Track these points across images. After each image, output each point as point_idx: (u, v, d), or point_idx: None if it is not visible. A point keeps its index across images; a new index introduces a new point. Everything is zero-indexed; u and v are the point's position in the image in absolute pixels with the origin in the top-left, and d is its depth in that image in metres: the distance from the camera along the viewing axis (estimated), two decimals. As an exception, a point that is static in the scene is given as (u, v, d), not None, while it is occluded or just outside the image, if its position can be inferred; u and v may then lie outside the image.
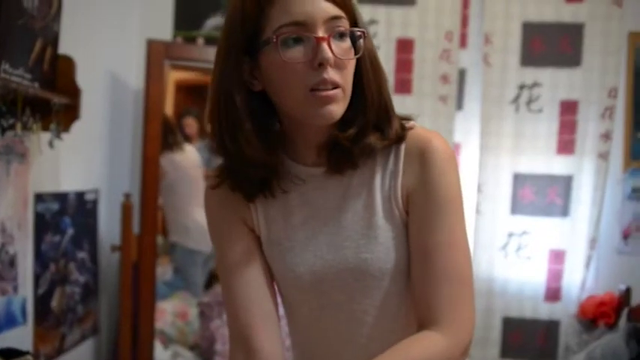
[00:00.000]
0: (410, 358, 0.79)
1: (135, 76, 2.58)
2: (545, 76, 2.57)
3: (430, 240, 0.84)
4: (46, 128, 1.73)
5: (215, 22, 2.70)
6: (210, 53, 2.60)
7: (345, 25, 0.82)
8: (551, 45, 2.56)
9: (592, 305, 2.49)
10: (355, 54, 0.83)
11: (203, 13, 2.70)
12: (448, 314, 0.82)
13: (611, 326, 2.41)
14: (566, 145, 2.58)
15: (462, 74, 2.64)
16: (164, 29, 2.66)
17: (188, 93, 3.25)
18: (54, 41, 1.71)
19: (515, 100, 2.59)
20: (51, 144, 1.73)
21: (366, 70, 0.86)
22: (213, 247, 0.96)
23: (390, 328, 0.91)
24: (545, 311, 2.61)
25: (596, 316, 2.46)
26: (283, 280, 0.93)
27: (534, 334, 2.61)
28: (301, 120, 0.84)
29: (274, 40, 0.79)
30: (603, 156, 2.55)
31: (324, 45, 0.79)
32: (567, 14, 2.55)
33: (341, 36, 0.81)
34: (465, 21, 2.60)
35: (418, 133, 0.88)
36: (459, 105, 2.65)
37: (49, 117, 1.71)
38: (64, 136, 1.81)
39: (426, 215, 0.85)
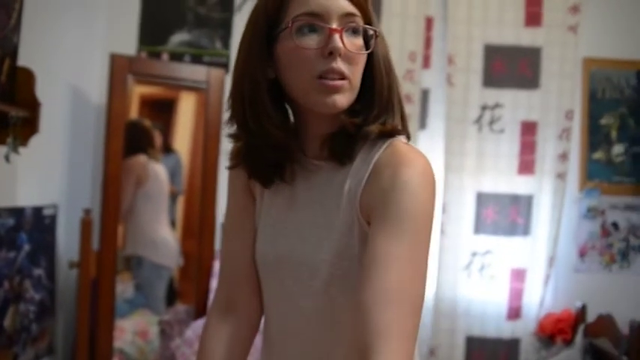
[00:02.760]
0: None
1: (97, 91, 2.55)
2: (507, 97, 2.64)
3: (384, 251, 0.77)
4: (2, 142, 1.69)
5: (180, 37, 2.70)
6: (175, 69, 2.64)
7: (359, 22, 0.85)
8: (511, 67, 2.64)
9: (550, 322, 2.54)
10: (367, 50, 0.86)
11: (168, 28, 2.69)
12: (393, 342, 0.73)
13: (569, 342, 2.46)
14: (526, 165, 2.64)
15: (425, 94, 2.69)
16: (128, 44, 2.64)
17: (153, 107, 3.21)
18: (12, 53, 1.68)
19: (478, 120, 2.65)
20: (7, 158, 1.69)
21: (379, 69, 0.88)
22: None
23: (334, 340, 0.88)
24: (507, 330, 2.63)
25: (554, 332, 2.51)
26: (256, 256, 0.97)
27: (497, 352, 2.63)
28: (307, 107, 0.87)
29: (289, 25, 0.83)
30: (561, 176, 2.62)
31: (336, 35, 0.82)
32: (526, 38, 2.64)
33: (354, 32, 0.85)
34: (428, 42, 2.67)
35: (400, 147, 0.85)
36: (423, 124, 2.70)
37: (6, 130, 1.68)
38: (22, 150, 1.77)
39: (384, 226, 0.79)
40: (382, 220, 0.79)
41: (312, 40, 0.83)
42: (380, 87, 0.87)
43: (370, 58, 0.88)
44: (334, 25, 0.83)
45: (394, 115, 0.89)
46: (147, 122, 2.90)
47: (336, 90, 0.83)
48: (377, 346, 0.72)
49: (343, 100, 0.84)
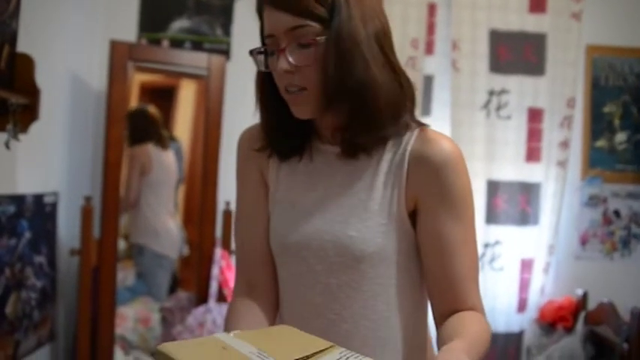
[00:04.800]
0: (482, 331, 0.86)
1: (98, 78, 2.54)
2: (513, 83, 2.60)
3: (455, 237, 0.90)
4: (2, 128, 1.68)
5: (180, 24, 2.68)
6: (175, 55, 2.62)
7: (305, 32, 0.86)
8: (516, 53, 2.61)
9: (551, 310, 2.54)
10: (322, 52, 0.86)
11: (168, 15, 2.67)
12: (479, 303, 0.91)
13: (569, 330, 2.47)
14: (533, 152, 2.60)
15: (429, 80, 2.67)
16: (129, 30, 2.63)
17: (153, 94, 3.20)
18: (12, 39, 1.66)
19: (486, 105, 2.61)
20: (7, 145, 1.68)
21: (327, 64, 0.86)
22: (236, 184, 1.07)
23: (363, 313, 0.93)
24: (517, 323, 2.60)
25: (555, 320, 2.52)
26: (273, 239, 0.99)
27: (507, 346, 2.59)
28: None
29: (255, 55, 0.92)
30: (562, 164, 2.61)
31: (281, 56, 0.87)
32: (531, 24, 2.61)
33: (301, 44, 0.87)
34: (431, 28, 2.64)
35: (428, 134, 0.92)
36: (427, 110, 2.67)
37: (5, 117, 1.66)
38: (22, 137, 1.76)
39: (446, 215, 0.90)
40: (443, 208, 0.90)
41: (272, 62, 0.90)
42: (330, 80, 0.86)
43: (327, 55, 0.86)
44: (283, 44, 0.86)
45: (371, 105, 0.88)
46: (152, 109, 2.88)
47: (296, 102, 0.90)
48: (472, 308, 0.89)
49: (307, 109, 0.90)
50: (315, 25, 0.85)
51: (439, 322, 0.91)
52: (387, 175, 0.92)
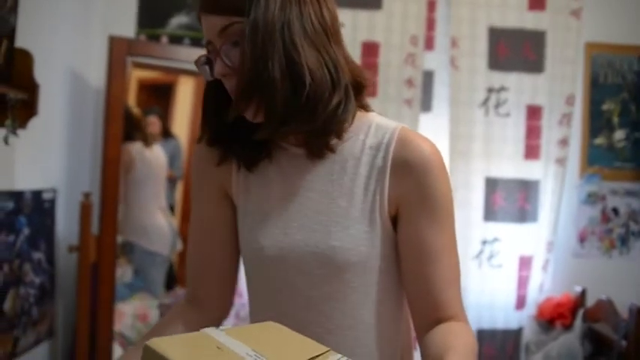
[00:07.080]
0: (471, 343, 0.81)
1: (96, 73, 2.53)
2: (512, 80, 2.60)
3: (435, 243, 0.87)
4: (0, 124, 1.68)
5: (179, 20, 2.67)
6: (174, 52, 2.61)
7: (234, 30, 0.81)
8: (516, 50, 2.61)
9: (550, 307, 2.55)
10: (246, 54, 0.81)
11: (168, 11, 2.66)
12: (462, 312, 0.88)
13: (568, 327, 2.47)
14: (532, 150, 2.60)
15: (429, 76, 2.66)
16: (127, 26, 2.62)
17: (151, 91, 3.19)
18: (10, 34, 1.66)
19: (485, 103, 2.61)
20: (6, 140, 1.67)
21: (244, 58, 0.81)
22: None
23: (348, 324, 0.90)
24: (515, 319, 2.61)
25: (554, 317, 2.52)
26: (247, 253, 0.94)
27: (505, 343, 2.60)
28: None
29: (199, 65, 0.87)
30: (560, 161, 2.61)
31: (217, 60, 0.83)
32: (530, 21, 2.61)
33: (234, 44, 0.82)
34: (431, 24, 2.63)
35: (409, 137, 0.88)
36: (428, 106, 2.67)
37: (4, 112, 1.66)
38: (20, 132, 1.75)
39: (427, 222, 0.87)
40: (424, 214, 0.87)
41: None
42: (246, 74, 0.81)
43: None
44: (218, 48, 0.83)
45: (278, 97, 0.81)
46: (136, 110, 2.89)
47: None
48: (455, 316, 0.86)
49: (249, 114, 0.83)
50: (242, 21, 0.80)
51: (420, 330, 0.88)
52: (367, 179, 0.88)
